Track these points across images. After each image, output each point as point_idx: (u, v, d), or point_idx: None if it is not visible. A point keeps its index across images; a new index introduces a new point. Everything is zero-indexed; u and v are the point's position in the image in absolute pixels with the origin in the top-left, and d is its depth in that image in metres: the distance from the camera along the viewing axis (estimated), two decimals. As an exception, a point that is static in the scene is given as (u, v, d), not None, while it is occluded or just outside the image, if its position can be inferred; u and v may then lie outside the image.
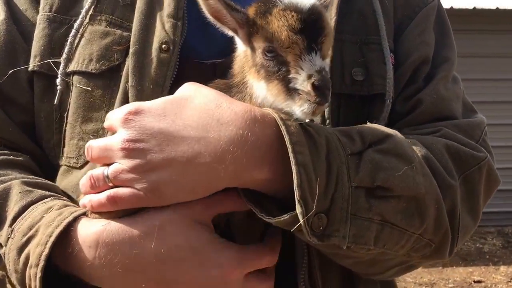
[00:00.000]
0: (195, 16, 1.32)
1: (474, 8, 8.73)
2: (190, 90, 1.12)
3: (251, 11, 1.11)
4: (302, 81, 1.02)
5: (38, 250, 1.10)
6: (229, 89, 1.16)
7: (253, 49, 1.12)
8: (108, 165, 1.09)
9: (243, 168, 1.04)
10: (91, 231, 1.10)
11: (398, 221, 1.09)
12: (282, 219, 1.02)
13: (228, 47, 1.27)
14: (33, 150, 1.40)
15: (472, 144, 1.29)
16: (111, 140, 1.09)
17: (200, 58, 1.31)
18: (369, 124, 1.19)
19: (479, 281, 6.96)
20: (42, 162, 1.40)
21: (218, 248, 1.10)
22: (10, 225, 1.18)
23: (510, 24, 9.12)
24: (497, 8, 8.81)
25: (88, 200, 1.12)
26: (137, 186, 1.05)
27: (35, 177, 1.32)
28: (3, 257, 1.19)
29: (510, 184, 8.57)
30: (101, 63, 1.30)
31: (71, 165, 1.32)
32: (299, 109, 1.04)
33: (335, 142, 1.07)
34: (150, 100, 1.14)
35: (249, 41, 1.13)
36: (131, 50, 1.27)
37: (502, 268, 7.49)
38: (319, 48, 1.04)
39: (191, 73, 1.28)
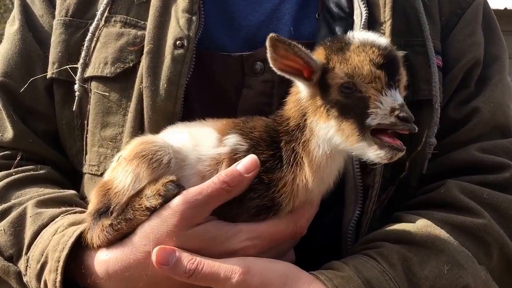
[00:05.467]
0: (212, 8, 1.29)
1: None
2: None
3: (319, 54, 1.06)
4: (383, 115, 0.96)
5: (52, 277, 1.11)
6: (278, 136, 1.08)
7: (324, 89, 1.03)
8: None
9: None
10: (98, 262, 1.10)
11: None
12: None
13: (253, 37, 1.24)
14: (56, 159, 1.38)
15: None
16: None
17: (225, 50, 1.26)
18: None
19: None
20: (67, 170, 1.38)
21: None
22: (26, 253, 1.19)
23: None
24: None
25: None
26: None
27: (53, 190, 1.30)
28: (27, 285, 1.20)
29: None
30: (116, 66, 1.27)
31: (93, 173, 1.30)
32: (374, 153, 0.98)
33: None
34: (164, 99, 1.16)
35: (318, 83, 1.05)
36: (145, 50, 1.23)
37: None
38: (396, 86, 0.99)
39: (216, 66, 1.26)
